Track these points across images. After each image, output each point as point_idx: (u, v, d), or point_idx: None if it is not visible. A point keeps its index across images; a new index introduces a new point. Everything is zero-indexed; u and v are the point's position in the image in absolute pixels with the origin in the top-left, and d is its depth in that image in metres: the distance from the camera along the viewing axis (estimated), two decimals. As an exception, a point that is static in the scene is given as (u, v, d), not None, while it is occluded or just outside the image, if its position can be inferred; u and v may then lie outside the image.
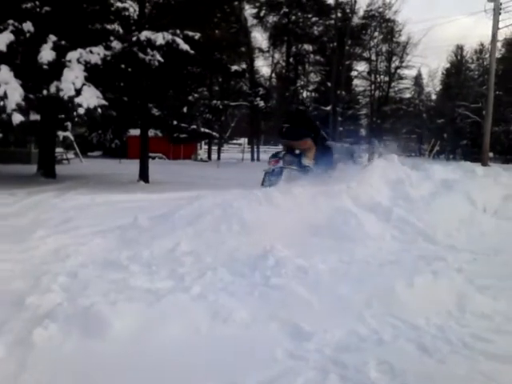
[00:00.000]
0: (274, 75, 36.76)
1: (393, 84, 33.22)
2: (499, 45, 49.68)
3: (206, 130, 18.31)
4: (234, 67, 18.13)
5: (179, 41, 13.11)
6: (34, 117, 14.37)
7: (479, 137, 44.11)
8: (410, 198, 8.71)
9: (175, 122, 16.05)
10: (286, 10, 31.87)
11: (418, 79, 51.42)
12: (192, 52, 13.28)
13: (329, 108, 22.85)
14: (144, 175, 16.18)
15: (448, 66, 54.22)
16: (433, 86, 52.77)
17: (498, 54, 51.05)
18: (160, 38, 12.97)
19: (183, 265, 5.67)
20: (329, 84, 23.27)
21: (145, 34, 13.05)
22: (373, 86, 31.71)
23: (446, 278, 4.79)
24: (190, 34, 13.68)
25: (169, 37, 13.03)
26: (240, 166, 29.34)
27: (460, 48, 53.81)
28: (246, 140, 41.71)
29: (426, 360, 3.42)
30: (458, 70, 52.84)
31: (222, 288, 4.69)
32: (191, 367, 3.27)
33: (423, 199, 8.66)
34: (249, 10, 33.20)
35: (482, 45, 53.07)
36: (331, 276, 5.17)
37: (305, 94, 39.03)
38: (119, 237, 7.01)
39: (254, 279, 5.02)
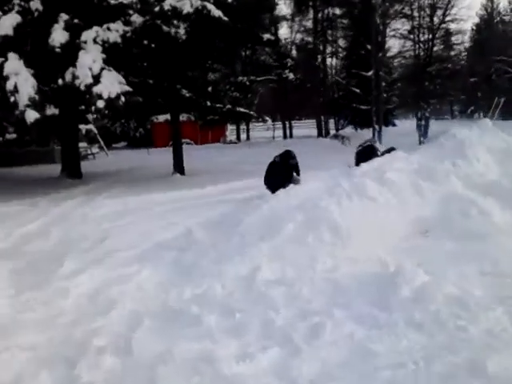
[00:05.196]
0: (300, 42, 34.32)
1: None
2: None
3: (242, 110, 16.37)
4: (267, 35, 16.14)
5: (210, 6, 11.09)
6: (51, 111, 12.66)
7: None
8: (529, 174, 6.77)
9: (208, 103, 14.13)
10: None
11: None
12: (225, 19, 11.26)
13: (370, 73, 20.61)
14: (179, 166, 14.37)
15: (477, 21, 50.60)
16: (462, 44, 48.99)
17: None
18: (187, 4, 10.97)
19: (277, 307, 3.90)
20: (369, 46, 20.96)
21: (169, 2, 11.06)
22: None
23: None
24: (223, -4, 11.69)
25: (197, 2, 11.02)
26: (273, 144, 27.30)
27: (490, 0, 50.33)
28: (270, 117, 39.47)
29: None
30: (489, 24, 49.35)
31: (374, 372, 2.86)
32: None
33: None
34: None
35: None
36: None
37: (334, 62, 36.57)
38: (174, 262, 5.25)
39: (399, 330, 3.21)
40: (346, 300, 3.92)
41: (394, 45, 30.69)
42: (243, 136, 37.90)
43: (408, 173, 6.34)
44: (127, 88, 11.23)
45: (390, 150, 9.22)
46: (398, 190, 5.95)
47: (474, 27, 50.56)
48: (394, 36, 27.27)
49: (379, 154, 9.25)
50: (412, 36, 28.77)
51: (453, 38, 35.44)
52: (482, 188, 6.29)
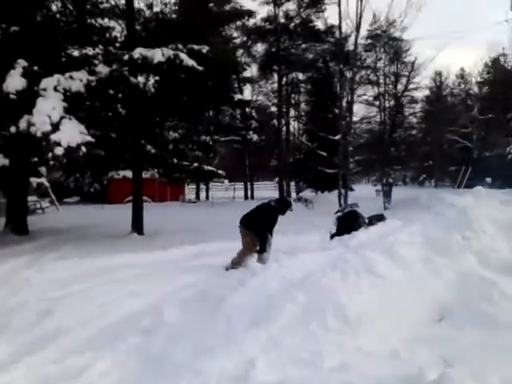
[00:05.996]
0: (263, 105, 34.35)
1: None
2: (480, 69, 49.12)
3: (210, 168, 15.47)
4: (238, 96, 15.58)
5: (183, 56, 10.35)
6: (1, 162, 11.43)
7: (470, 162, 42.33)
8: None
9: (175, 161, 13.17)
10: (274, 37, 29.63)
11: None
12: (200, 68, 10.52)
13: (338, 137, 20.33)
14: (138, 225, 13.11)
15: (428, 93, 52.66)
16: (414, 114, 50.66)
17: (479, 78, 50.38)
18: (158, 54, 10.19)
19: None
20: (336, 111, 20.82)
21: (139, 52, 10.28)
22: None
23: None
24: (196, 47, 10.94)
25: (169, 52, 10.27)
26: (235, 205, 26.37)
27: (439, 74, 52.72)
28: (229, 177, 38.86)
29: None
30: (438, 97, 51.41)
31: None
32: None
33: None
34: (236, 40, 30.97)
35: (462, 69, 52.18)
36: None
37: (296, 125, 36.69)
38: (138, 351, 4.10)
39: None
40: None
41: (357, 110, 31.08)
42: (202, 195, 36.93)
43: (416, 246, 5.52)
44: (89, 138, 10.17)
45: (379, 218, 8.45)
46: (408, 265, 5.08)
47: (425, 98, 52.38)
48: (357, 102, 27.54)
49: (366, 221, 8.45)
50: (377, 102, 29.16)
51: (406, 108, 36.26)
52: (497, 266, 5.54)
